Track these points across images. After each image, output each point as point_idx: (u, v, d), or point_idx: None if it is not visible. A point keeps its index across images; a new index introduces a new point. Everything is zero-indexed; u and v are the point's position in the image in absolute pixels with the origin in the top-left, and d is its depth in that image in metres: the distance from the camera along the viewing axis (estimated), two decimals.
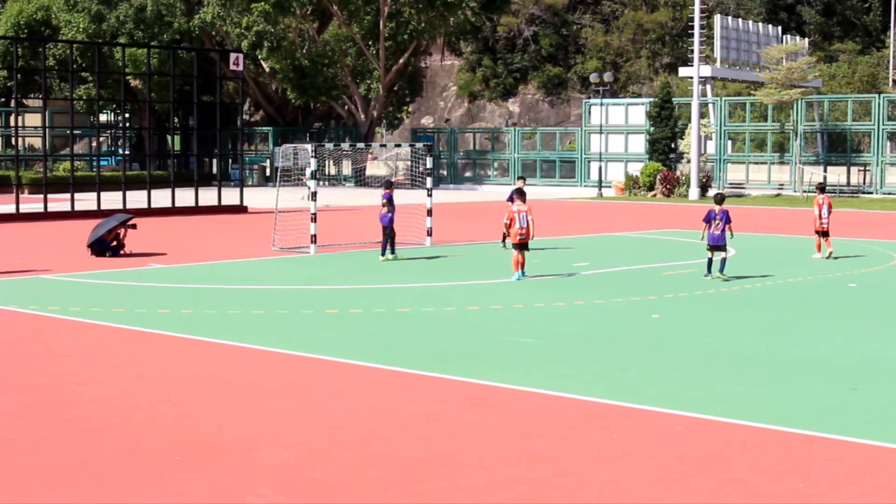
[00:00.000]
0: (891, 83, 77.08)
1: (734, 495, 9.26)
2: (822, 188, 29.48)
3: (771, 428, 11.31)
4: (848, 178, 61.49)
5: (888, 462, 10.27)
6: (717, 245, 23.19)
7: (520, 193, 23.83)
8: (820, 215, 27.81)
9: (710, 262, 23.47)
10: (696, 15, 61.17)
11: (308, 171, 29.06)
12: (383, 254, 27.24)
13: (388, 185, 28.20)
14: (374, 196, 51.08)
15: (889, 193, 58.88)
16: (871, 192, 59.61)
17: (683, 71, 67.49)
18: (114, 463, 10.13)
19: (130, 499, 9.14)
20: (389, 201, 27.21)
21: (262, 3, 68.80)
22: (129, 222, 28.78)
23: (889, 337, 17.04)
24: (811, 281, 23.50)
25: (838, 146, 63.01)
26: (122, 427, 11.38)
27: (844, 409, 12.20)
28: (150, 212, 43.20)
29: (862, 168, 61.32)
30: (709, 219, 23.21)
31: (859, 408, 12.30)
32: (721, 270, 23.17)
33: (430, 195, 31.33)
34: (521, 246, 23.15)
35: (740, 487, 9.46)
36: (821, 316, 19.13)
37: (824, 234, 27.95)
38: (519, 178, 33.32)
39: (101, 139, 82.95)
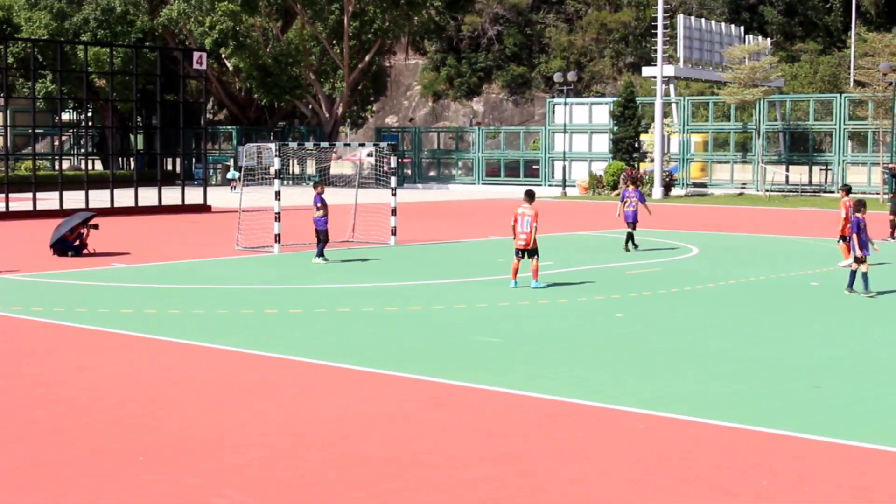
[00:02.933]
0: (852, 83, 77.54)
1: (698, 493, 9.30)
2: (847, 189, 27.50)
3: (734, 426, 11.36)
4: (810, 177, 61.91)
5: (850, 459, 10.34)
6: (865, 257, 21.34)
7: (528, 195, 22.02)
8: (847, 217, 25.20)
9: (853, 275, 21.55)
10: (660, 15, 61.41)
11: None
12: (321, 255, 26.66)
13: (319, 185, 27.32)
14: (338, 195, 50.84)
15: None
16: (832, 192, 59.99)
17: (647, 70, 67.81)
18: (77, 464, 10.06)
19: (94, 500, 9.08)
20: (323, 204, 26.62)
21: (227, 3, 68.56)
22: (91, 222, 28.62)
23: (851, 335, 17.16)
24: (774, 280, 23.64)
25: (800, 146, 63.44)
26: (85, 428, 11.31)
27: (807, 407, 12.28)
28: (112, 211, 42.95)
29: (823, 167, 61.74)
30: (860, 229, 21.23)
31: (822, 406, 12.38)
32: (866, 288, 21.21)
33: (394, 194, 31.29)
34: (524, 252, 21.68)
35: (704, 485, 9.50)
36: (783, 314, 19.22)
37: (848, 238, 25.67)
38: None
39: (64, 138, 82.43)
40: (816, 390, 13.08)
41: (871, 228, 22.05)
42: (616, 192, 60.75)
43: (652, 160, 61.66)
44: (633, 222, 29.97)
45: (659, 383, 13.42)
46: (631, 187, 31.35)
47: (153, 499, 9.11)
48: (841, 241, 25.94)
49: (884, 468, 10.09)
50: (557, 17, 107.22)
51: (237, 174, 52.90)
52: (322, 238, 26.61)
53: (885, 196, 53.05)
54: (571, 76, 66.97)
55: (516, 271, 22.00)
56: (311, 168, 76.37)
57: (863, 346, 16.23)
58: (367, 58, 75.21)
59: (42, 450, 10.51)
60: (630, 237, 30.01)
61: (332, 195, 28.35)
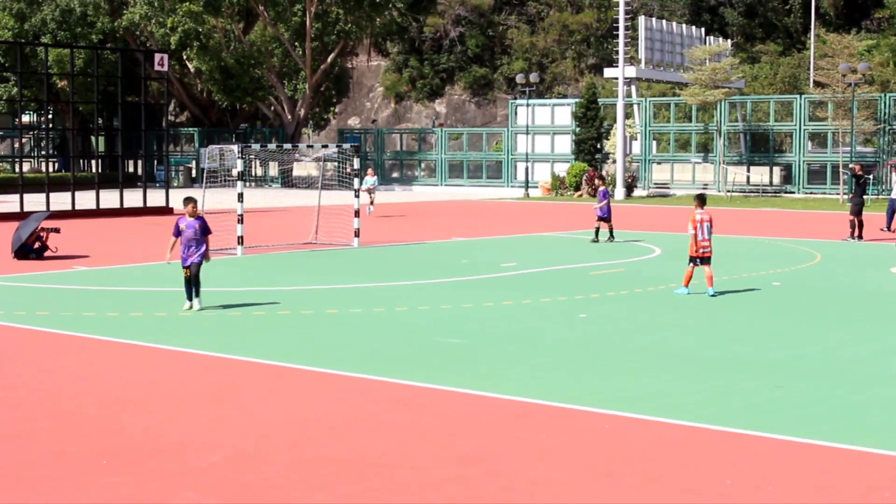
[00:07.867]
0: (811, 84, 78.07)
1: (661, 493, 9.34)
2: None
3: (697, 426, 11.42)
4: (770, 177, 62.28)
5: (813, 458, 10.41)
6: None
7: (700, 199, 21.44)
8: None
9: None
10: (621, 16, 61.63)
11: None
12: (191, 298, 19.31)
13: (191, 200, 19.57)
14: (301, 197, 50.85)
15: (810, 193, 59.70)
16: (792, 192, 60.41)
17: (609, 72, 67.98)
18: (39, 467, 9.99)
19: (57, 503, 9.04)
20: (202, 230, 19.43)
21: (188, 4, 68.26)
22: (52, 226, 28.42)
23: (813, 334, 17.28)
24: (735, 280, 23.75)
25: (761, 146, 63.80)
26: (48, 431, 11.23)
27: (769, 407, 12.34)
28: (74, 214, 42.67)
29: (784, 168, 62.14)
30: None
31: (784, 405, 12.45)
32: None
33: (357, 196, 31.24)
34: (703, 260, 20.91)
35: (667, 485, 9.54)
36: (745, 314, 19.31)
37: None
38: (857, 166, 35.80)
39: (24, 140, 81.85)
40: (778, 389, 13.16)
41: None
42: (579, 192, 60.93)
43: (614, 161, 61.86)
44: (608, 217, 32.83)
45: (622, 383, 13.46)
46: (602, 186, 33.90)
47: (116, 501, 9.06)
48: None
49: (845, 466, 10.16)
50: (519, 19, 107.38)
51: (374, 181, 48.18)
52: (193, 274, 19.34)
53: (845, 196, 53.46)
54: (533, 77, 67.14)
55: (690, 278, 21.38)
56: (273, 170, 76.17)
57: (824, 345, 16.34)
58: (329, 59, 75.09)
59: (3, 453, 10.43)
60: (598, 231, 32.94)
61: (294, 196, 28.29)
